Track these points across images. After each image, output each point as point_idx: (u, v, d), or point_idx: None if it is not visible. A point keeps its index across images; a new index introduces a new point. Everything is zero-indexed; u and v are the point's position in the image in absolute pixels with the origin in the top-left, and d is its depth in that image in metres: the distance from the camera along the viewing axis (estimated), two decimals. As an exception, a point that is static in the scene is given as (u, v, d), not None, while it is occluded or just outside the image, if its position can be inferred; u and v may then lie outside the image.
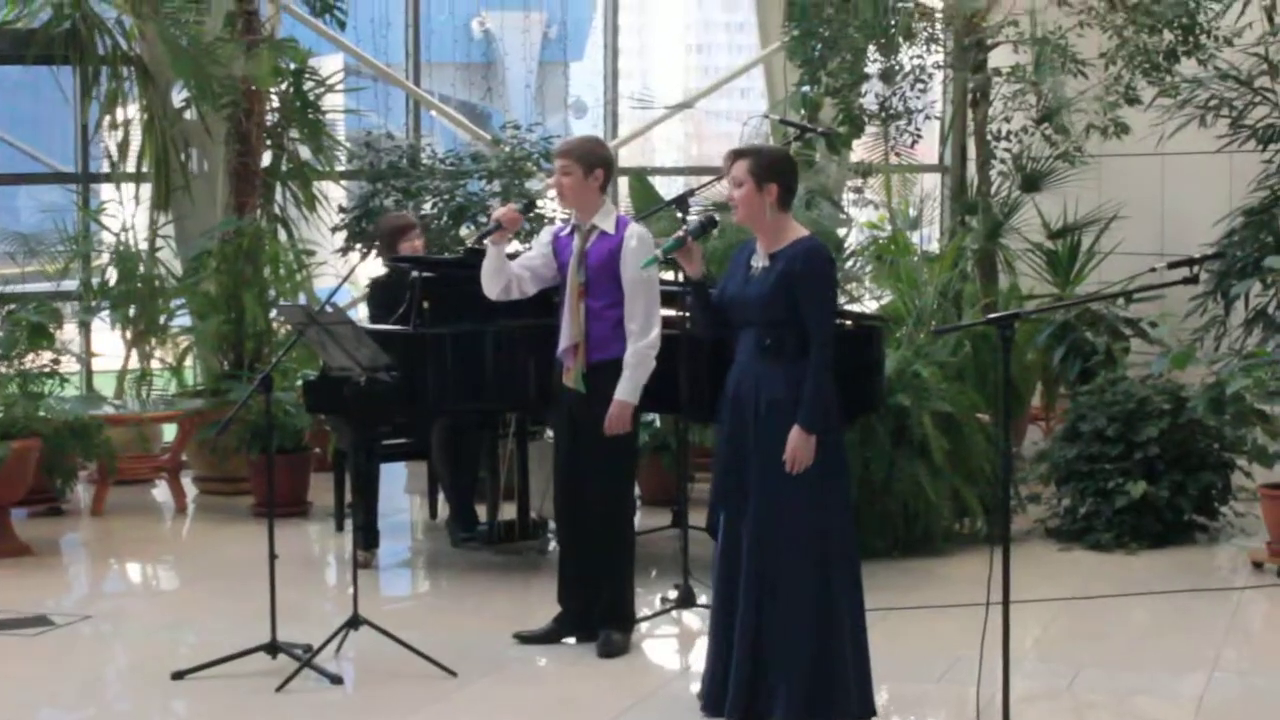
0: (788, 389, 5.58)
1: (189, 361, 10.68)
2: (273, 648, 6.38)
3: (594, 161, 6.64)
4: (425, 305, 8.10)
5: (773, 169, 5.69)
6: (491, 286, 6.79)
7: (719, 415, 5.80)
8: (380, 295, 8.65)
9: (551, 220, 9.78)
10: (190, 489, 10.18)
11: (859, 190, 11.08)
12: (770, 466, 5.58)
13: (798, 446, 5.54)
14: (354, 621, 6.47)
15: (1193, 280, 5.28)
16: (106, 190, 11.05)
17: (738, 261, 5.81)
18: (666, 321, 6.84)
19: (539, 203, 9.72)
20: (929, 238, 11.65)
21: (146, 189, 10.69)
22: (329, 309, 6.62)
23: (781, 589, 5.58)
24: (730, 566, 5.69)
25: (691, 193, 7.58)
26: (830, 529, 5.61)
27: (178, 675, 6.30)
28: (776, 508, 5.58)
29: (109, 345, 10.86)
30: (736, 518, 5.68)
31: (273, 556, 6.42)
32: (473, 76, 17.09)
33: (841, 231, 10.68)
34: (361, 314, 11.79)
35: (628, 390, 6.56)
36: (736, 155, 5.75)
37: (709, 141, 18.09)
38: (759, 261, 5.69)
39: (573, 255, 6.65)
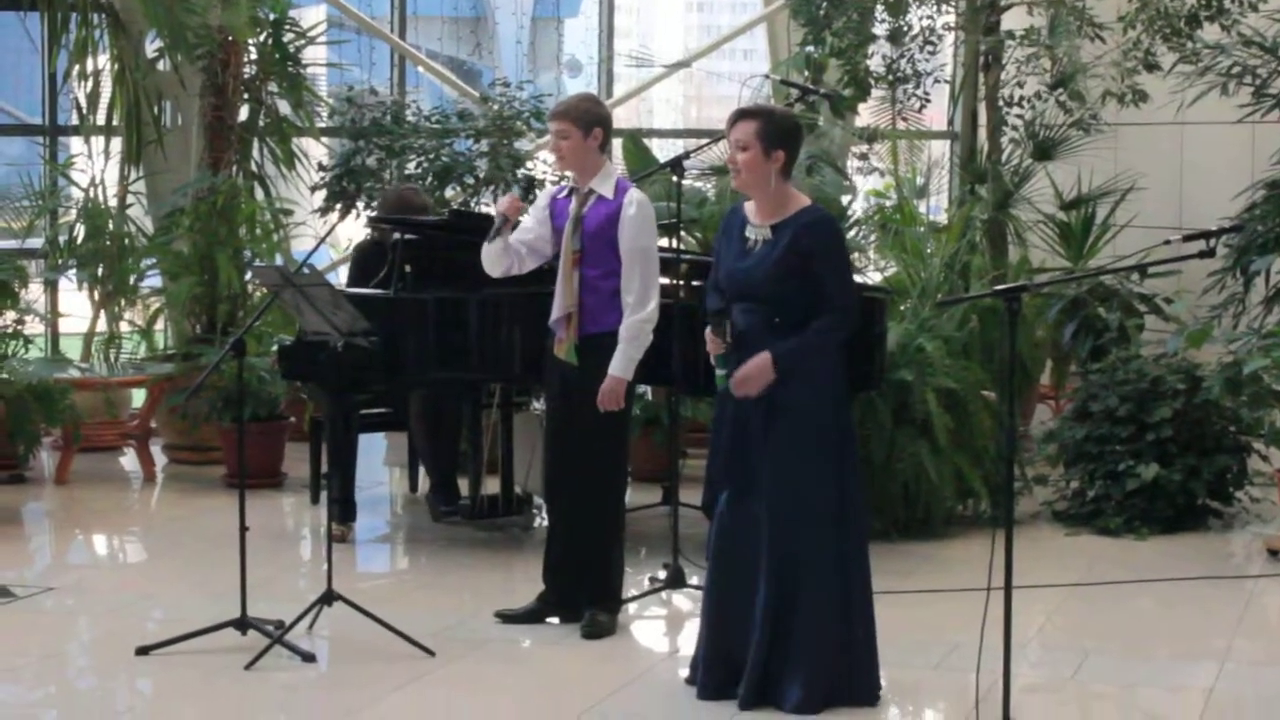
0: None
1: (159, 324, 10.68)
2: (243, 624, 6.39)
3: (591, 121, 6.59)
4: (407, 269, 8.11)
5: (783, 134, 5.62)
6: (495, 268, 6.76)
7: (717, 390, 5.80)
8: (365, 261, 8.65)
9: (543, 184, 9.78)
10: (160, 458, 10.19)
11: (864, 157, 11.06)
12: (788, 446, 5.58)
13: (756, 369, 5.52)
14: (328, 597, 6.48)
15: (1209, 254, 5.28)
16: (75, 143, 11.04)
17: (729, 232, 5.75)
18: (661, 291, 6.82)
19: (532, 171, 9.72)
20: (937, 207, 11.65)
21: (117, 143, 10.67)
22: (305, 270, 6.62)
23: (804, 572, 5.60)
24: (732, 548, 5.70)
25: (687, 155, 7.57)
26: (847, 508, 5.64)
27: (143, 651, 6.31)
28: (795, 487, 5.58)
29: (76, 306, 10.85)
30: (739, 498, 5.69)
31: (244, 529, 6.42)
32: (461, 31, 17.02)
33: (845, 199, 10.66)
34: (342, 278, 11.81)
35: (621, 365, 6.53)
36: (742, 115, 5.67)
37: (709, 104, 18.05)
38: (757, 233, 5.64)
39: (569, 220, 6.63)
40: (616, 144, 11.48)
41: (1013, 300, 5.22)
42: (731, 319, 5.65)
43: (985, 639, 5.29)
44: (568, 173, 6.79)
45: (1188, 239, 5.29)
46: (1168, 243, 5.39)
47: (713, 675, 5.78)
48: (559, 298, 6.63)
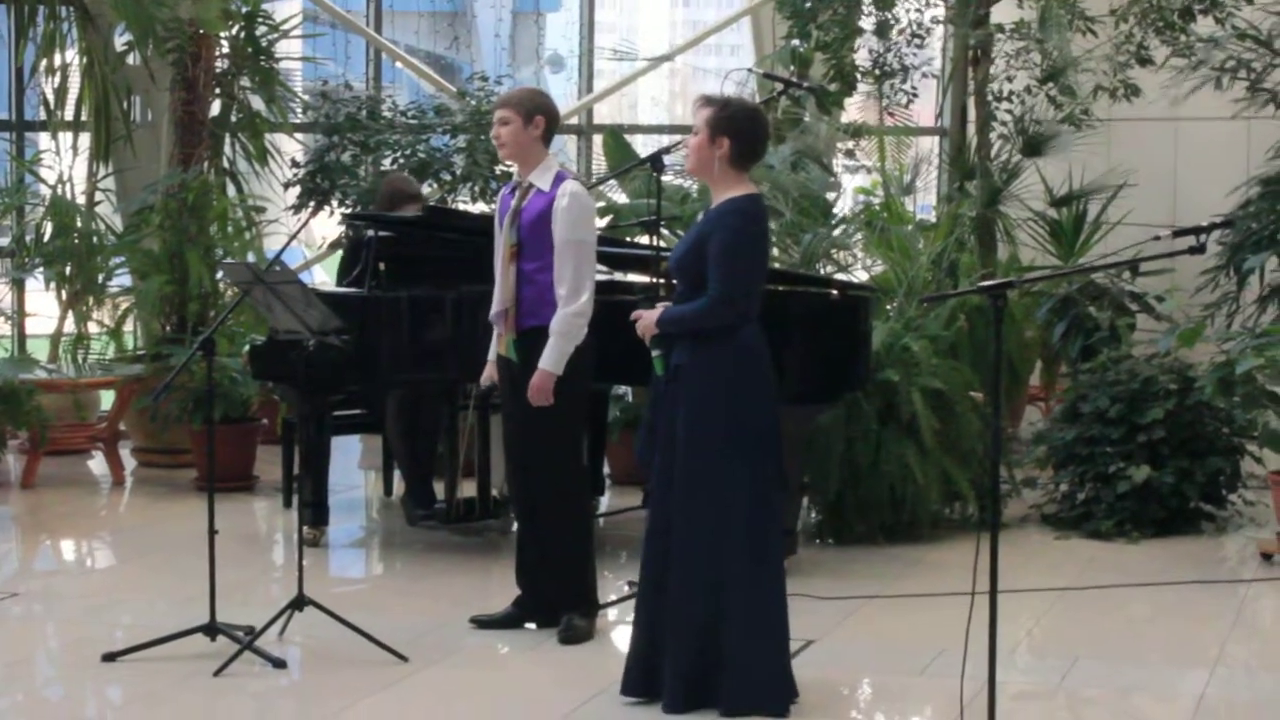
0: (692, 354, 5.66)
1: (128, 324, 10.66)
2: (212, 629, 6.37)
3: (533, 109, 6.59)
4: (381, 267, 8.10)
5: (730, 122, 5.74)
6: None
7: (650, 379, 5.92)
8: (355, 256, 8.64)
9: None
10: (129, 461, 10.17)
11: (850, 153, 11.07)
12: (684, 439, 5.66)
13: (645, 322, 5.75)
14: (299, 602, 6.46)
15: (1199, 250, 5.26)
16: (43, 139, 11.00)
17: (692, 224, 5.97)
18: (634, 289, 6.82)
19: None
20: (925, 205, 11.65)
21: (85, 138, 10.64)
22: (277, 268, 6.60)
23: (673, 564, 5.68)
24: (654, 547, 5.78)
25: (666, 150, 7.55)
26: (737, 504, 5.66)
27: (110, 657, 6.29)
28: (677, 476, 5.67)
29: (43, 306, 10.82)
30: (659, 494, 5.78)
31: (212, 532, 6.40)
32: (439, 25, 17.00)
33: (831, 196, 10.67)
34: (320, 277, 11.78)
35: (552, 359, 6.48)
36: (704, 103, 5.85)
37: (693, 100, 18.06)
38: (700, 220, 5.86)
39: (507, 214, 6.62)
40: (598, 140, 11.52)
41: (998, 297, 5.21)
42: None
43: (971, 644, 5.28)
44: (509, 163, 6.79)
45: (1178, 235, 5.28)
46: (1158, 239, 5.38)
47: (629, 674, 5.86)
48: (497, 292, 6.63)
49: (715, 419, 5.65)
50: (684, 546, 5.68)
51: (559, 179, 6.63)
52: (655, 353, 5.77)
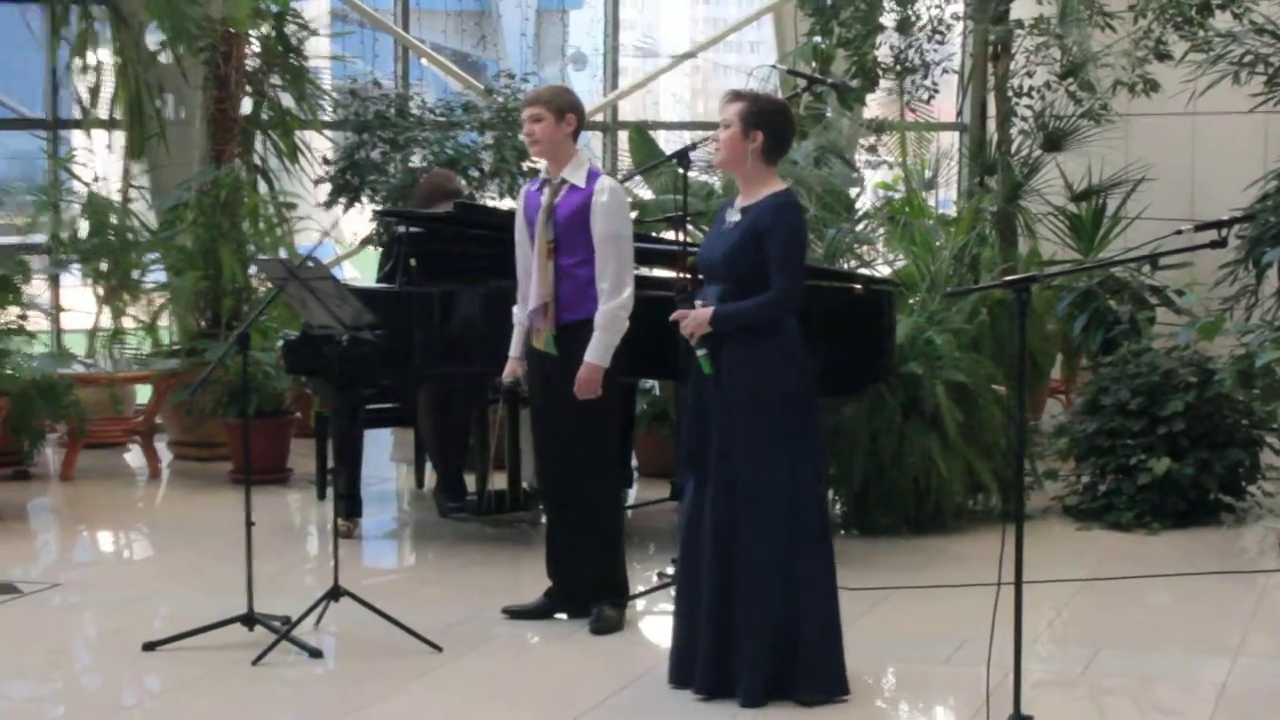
0: (745, 349, 5.69)
1: (163, 319, 10.72)
2: (250, 619, 6.43)
3: (564, 106, 6.65)
4: (412, 262, 8.15)
5: (763, 116, 5.78)
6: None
7: (684, 374, 5.91)
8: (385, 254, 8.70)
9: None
10: (164, 454, 10.23)
11: (872, 149, 11.08)
12: (733, 432, 5.67)
13: (696, 314, 5.70)
14: (335, 593, 6.52)
15: (1221, 244, 5.29)
16: (77, 137, 11.07)
17: (717, 220, 5.96)
18: (663, 284, 6.85)
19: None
20: (946, 200, 11.66)
21: (119, 136, 10.70)
22: (310, 264, 6.65)
23: (742, 563, 5.69)
24: (694, 536, 5.79)
25: (693, 147, 7.58)
26: (798, 498, 5.70)
27: (149, 646, 6.36)
28: (739, 476, 5.69)
29: (79, 302, 10.90)
30: (701, 485, 5.79)
31: (250, 524, 6.45)
32: (465, 24, 17.01)
33: (853, 191, 10.68)
34: (350, 273, 11.84)
35: (597, 353, 6.54)
36: (733, 97, 5.87)
37: (715, 97, 18.05)
38: (733, 216, 5.83)
39: (541, 210, 6.66)
40: (623, 136, 11.55)
41: (1022, 291, 5.24)
42: (703, 298, 5.81)
43: (995, 634, 5.31)
44: (541, 160, 6.84)
45: (1199, 229, 5.31)
46: (1179, 233, 5.41)
47: (679, 663, 5.89)
48: (535, 288, 6.65)
49: (773, 413, 5.66)
50: (753, 542, 5.68)
51: (593, 175, 6.68)
52: (701, 351, 5.76)
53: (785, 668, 5.73)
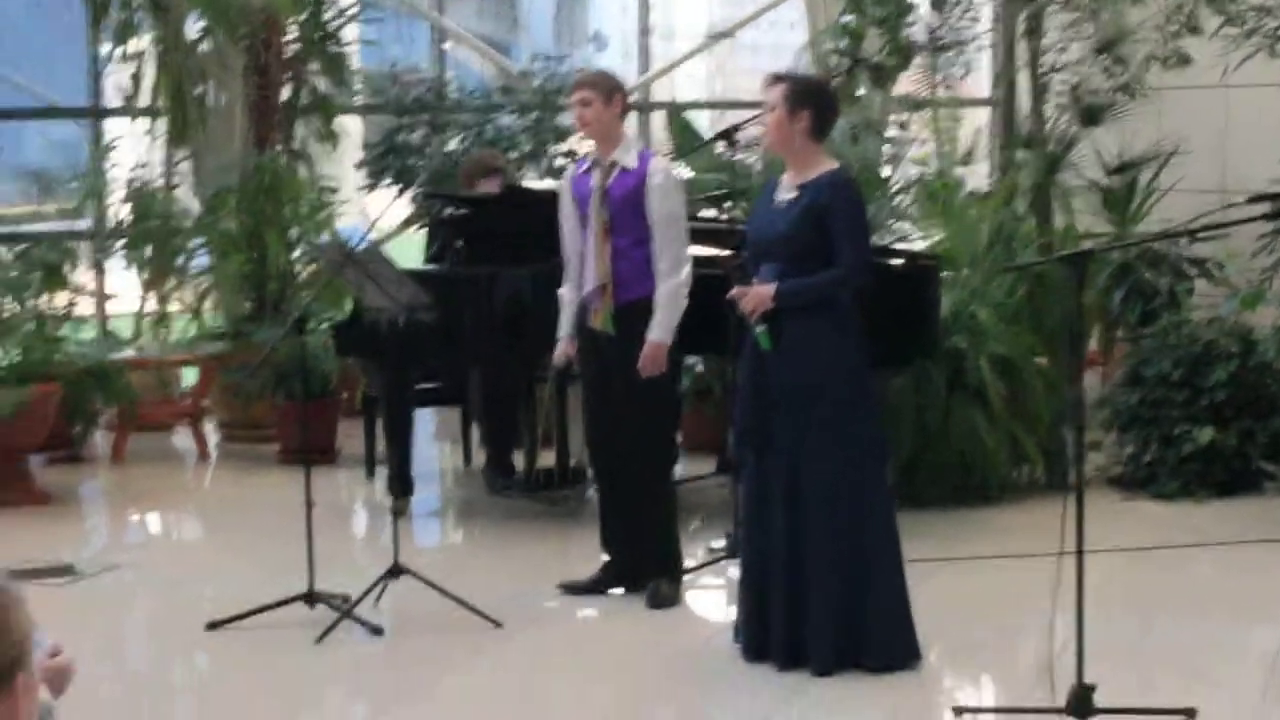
0: (807, 324, 5.67)
1: (208, 304, 10.73)
2: (310, 597, 6.44)
3: (611, 88, 6.69)
4: (459, 245, 8.14)
5: (807, 95, 5.80)
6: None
7: (740, 350, 5.90)
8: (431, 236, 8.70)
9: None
10: (212, 435, 10.25)
11: (904, 126, 11.04)
12: (795, 406, 5.67)
13: (757, 291, 5.69)
14: (395, 570, 6.53)
15: (1276, 215, 5.29)
16: (119, 125, 11.08)
17: (763, 198, 5.95)
18: (710, 261, 6.85)
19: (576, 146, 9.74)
20: (979, 175, 11.61)
21: (162, 124, 10.70)
22: (367, 247, 6.66)
23: (810, 535, 5.70)
24: (759, 510, 5.82)
25: (737, 128, 7.59)
26: (863, 475, 5.72)
27: (213, 625, 6.37)
28: (803, 448, 5.68)
29: (124, 287, 10.91)
30: (760, 460, 5.79)
31: (310, 504, 6.46)
32: (487, 8, 17.04)
33: (888, 169, 10.65)
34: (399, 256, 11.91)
35: (661, 330, 6.57)
36: (773, 80, 5.87)
37: (733, 75, 18.00)
38: (784, 194, 5.81)
39: (594, 193, 6.66)
40: (657, 117, 11.53)
41: (1080, 265, 5.23)
42: (758, 275, 5.79)
43: (1050, 605, 5.30)
44: (589, 143, 6.85)
45: (1252, 201, 5.29)
46: (1232, 205, 5.39)
47: (754, 637, 5.90)
48: (592, 270, 6.66)
49: (835, 384, 5.68)
50: (819, 514, 5.69)
51: (644, 157, 6.71)
52: (760, 328, 5.76)
53: (855, 636, 5.74)
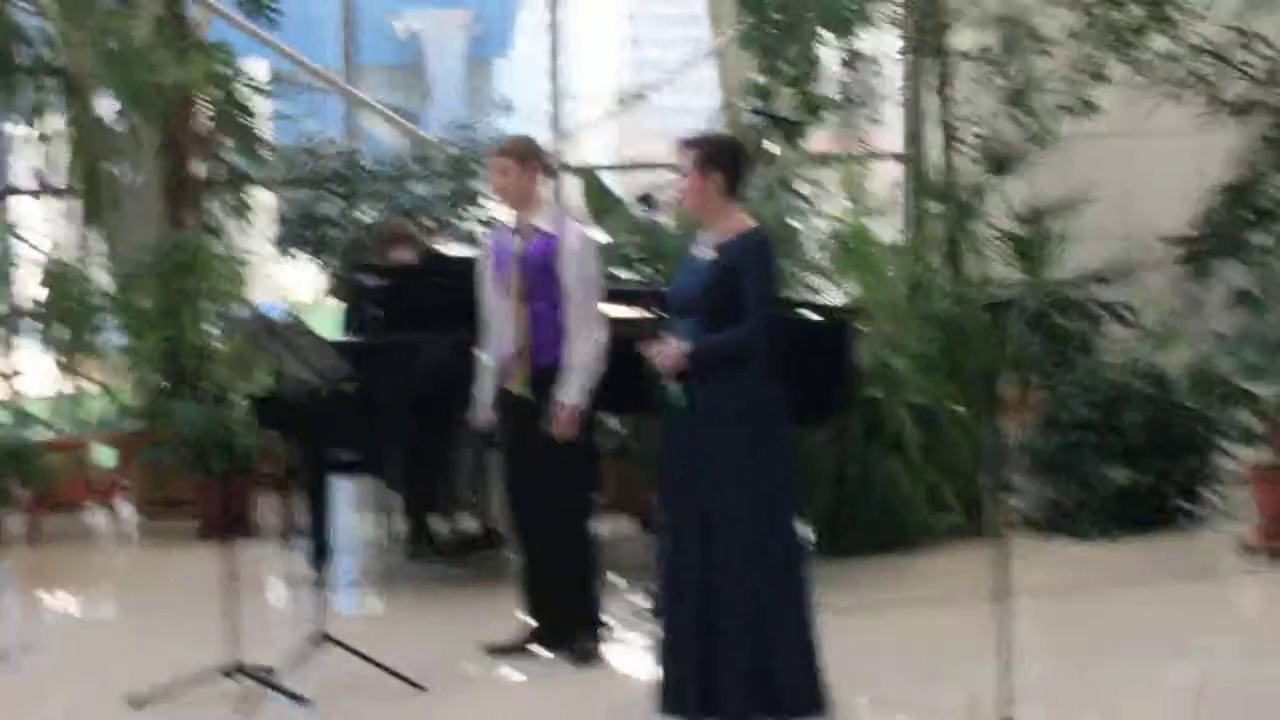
0: (722, 383, 5.69)
1: (124, 382, 10.63)
2: (234, 670, 6.36)
3: (527, 155, 6.73)
4: (378, 314, 8.12)
5: (718, 156, 5.86)
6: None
7: (666, 415, 5.89)
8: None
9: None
10: (130, 514, 10.14)
11: (816, 182, 11.12)
12: (708, 462, 5.68)
13: (672, 356, 5.68)
14: (319, 639, 6.47)
15: (1193, 258, 5.36)
16: (31, 205, 11.02)
17: (686, 255, 5.98)
18: (630, 323, 6.86)
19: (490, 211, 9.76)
20: (893, 228, 11.70)
21: (77, 203, 10.64)
22: (287, 319, 6.65)
23: (722, 586, 5.69)
24: (675, 568, 5.81)
25: (654, 193, 7.62)
26: (775, 523, 5.72)
27: (136, 703, 6.28)
28: (716, 504, 5.69)
29: (36, 366, 10.79)
30: (676, 518, 5.79)
31: (232, 577, 6.40)
32: (397, 79, 17.03)
33: (798, 224, 10.71)
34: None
35: (574, 393, 6.58)
36: (685, 144, 5.91)
37: (640, 138, 18.09)
38: (704, 253, 5.85)
39: (512, 257, 6.68)
40: (573, 181, 11.56)
41: (1000, 310, 5.28)
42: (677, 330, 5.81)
43: (974, 649, 5.31)
44: (508, 209, 6.86)
45: (1167, 243, 5.37)
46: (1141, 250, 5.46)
47: (669, 695, 5.86)
48: (508, 334, 6.68)
49: (749, 441, 5.67)
50: (730, 568, 5.67)
51: (560, 220, 6.73)
52: (675, 387, 5.76)
53: (766, 686, 5.71)
